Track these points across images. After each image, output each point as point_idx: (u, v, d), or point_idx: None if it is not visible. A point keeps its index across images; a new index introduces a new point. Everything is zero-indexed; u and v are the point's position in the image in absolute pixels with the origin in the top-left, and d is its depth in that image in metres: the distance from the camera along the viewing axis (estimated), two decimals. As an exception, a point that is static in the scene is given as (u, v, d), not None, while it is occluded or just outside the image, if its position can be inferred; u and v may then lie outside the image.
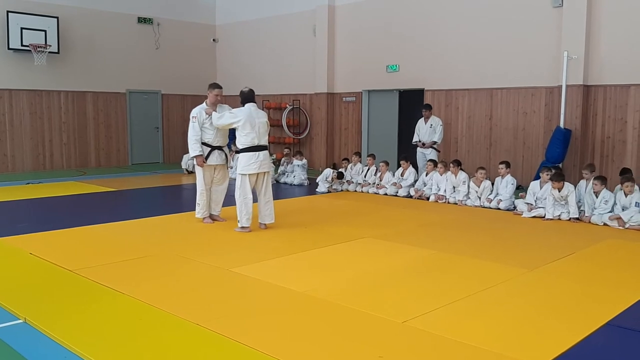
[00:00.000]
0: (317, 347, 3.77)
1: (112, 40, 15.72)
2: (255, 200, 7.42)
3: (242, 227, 7.34)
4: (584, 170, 9.04)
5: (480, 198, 9.53)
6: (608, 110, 10.56)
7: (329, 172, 11.25)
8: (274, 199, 7.64)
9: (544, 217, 8.40)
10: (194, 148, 7.60)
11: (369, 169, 11.47)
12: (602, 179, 8.34)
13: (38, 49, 13.82)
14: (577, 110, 10.67)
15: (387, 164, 11.21)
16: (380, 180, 11.06)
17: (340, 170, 11.56)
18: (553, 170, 8.78)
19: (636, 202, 7.84)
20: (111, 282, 5.09)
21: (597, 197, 8.24)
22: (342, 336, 3.96)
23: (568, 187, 8.29)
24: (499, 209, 9.18)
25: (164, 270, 5.58)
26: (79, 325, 4.13)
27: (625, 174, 8.59)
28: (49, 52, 14.07)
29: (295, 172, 12.37)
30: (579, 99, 10.64)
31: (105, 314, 4.36)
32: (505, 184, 9.36)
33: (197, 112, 7.68)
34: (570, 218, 8.20)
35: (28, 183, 11.94)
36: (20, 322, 4.23)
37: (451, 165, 9.96)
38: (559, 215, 8.27)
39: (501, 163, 9.59)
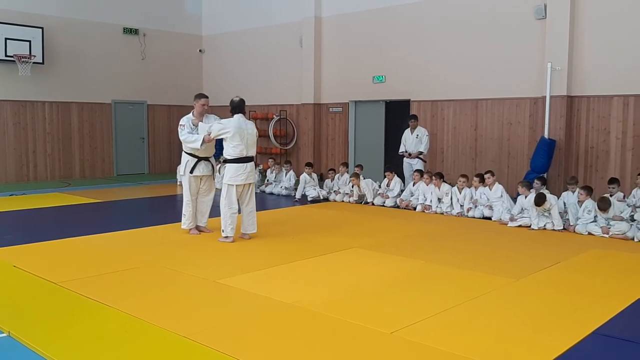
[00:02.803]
0: (305, 359, 3.75)
1: (98, 51, 15.65)
2: (238, 211, 7.41)
3: (226, 237, 7.32)
4: (568, 184, 9.16)
5: (462, 206, 9.62)
6: (591, 121, 10.70)
7: (304, 176, 11.51)
8: (261, 209, 7.63)
9: (529, 226, 8.45)
10: (194, 139, 7.44)
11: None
12: (588, 189, 8.42)
13: (22, 60, 13.70)
14: (561, 121, 10.79)
15: (357, 176, 11.01)
16: (357, 188, 10.99)
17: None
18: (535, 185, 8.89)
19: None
20: (96, 294, 5.03)
21: (581, 206, 8.32)
22: (330, 347, 3.94)
23: (550, 201, 8.32)
24: (484, 217, 9.24)
25: (150, 283, 5.53)
26: (64, 338, 4.08)
27: (612, 184, 8.67)
28: (34, 63, 13.95)
29: (283, 182, 12.36)
30: (562, 109, 10.77)
31: (91, 327, 4.31)
32: (500, 193, 9.37)
33: (185, 121, 7.67)
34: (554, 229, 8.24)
35: (11, 194, 11.80)
36: (4, 336, 4.17)
37: (433, 178, 10.00)
38: (544, 226, 8.32)
39: (487, 172, 9.61)
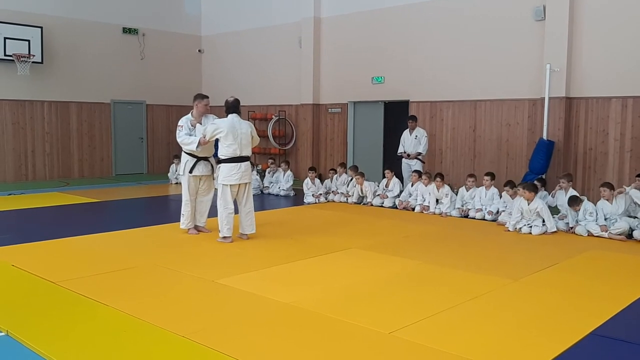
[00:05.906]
0: (303, 358, 3.75)
1: (97, 51, 15.64)
2: (236, 211, 7.41)
3: (224, 237, 7.32)
4: (561, 179, 9.10)
5: (464, 204, 9.69)
6: (590, 122, 10.71)
7: (307, 181, 11.40)
8: (260, 210, 7.63)
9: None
10: (190, 142, 7.48)
11: (352, 179, 11.49)
12: (577, 200, 8.33)
13: (21, 59, 13.69)
14: (559, 122, 10.81)
15: (362, 175, 11.12)
16: (359, 188, 11.04)
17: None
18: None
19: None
20: (95, 294, 5.03)
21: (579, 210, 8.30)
22: (328, 347, 3.95)
23: (537, 202, 8.19)
24: (484, 219, 9.25)
25: (149, 282, 5.53)
26: (62, 338, 4.08)
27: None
28: (33, 62, 13.95)
29: (281, 182, 12.36)
30: (561, 111, 10.79)
31: (89, 326, 4.31)
32: (492, 197, 9.42)
33: (184, 122, 7.69)
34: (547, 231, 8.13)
35: (10, 194, 11.79)
36: (2, 335, 4.17)
37: (436, 179, 9.98)
38: (530, 230, 8.12)
39: (486, 175, 9.67)
